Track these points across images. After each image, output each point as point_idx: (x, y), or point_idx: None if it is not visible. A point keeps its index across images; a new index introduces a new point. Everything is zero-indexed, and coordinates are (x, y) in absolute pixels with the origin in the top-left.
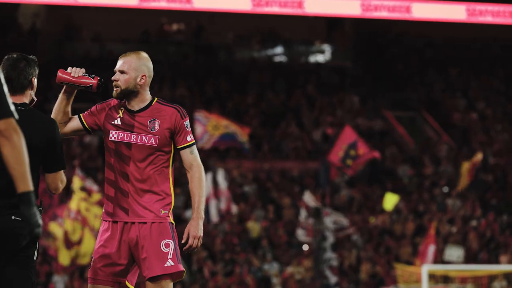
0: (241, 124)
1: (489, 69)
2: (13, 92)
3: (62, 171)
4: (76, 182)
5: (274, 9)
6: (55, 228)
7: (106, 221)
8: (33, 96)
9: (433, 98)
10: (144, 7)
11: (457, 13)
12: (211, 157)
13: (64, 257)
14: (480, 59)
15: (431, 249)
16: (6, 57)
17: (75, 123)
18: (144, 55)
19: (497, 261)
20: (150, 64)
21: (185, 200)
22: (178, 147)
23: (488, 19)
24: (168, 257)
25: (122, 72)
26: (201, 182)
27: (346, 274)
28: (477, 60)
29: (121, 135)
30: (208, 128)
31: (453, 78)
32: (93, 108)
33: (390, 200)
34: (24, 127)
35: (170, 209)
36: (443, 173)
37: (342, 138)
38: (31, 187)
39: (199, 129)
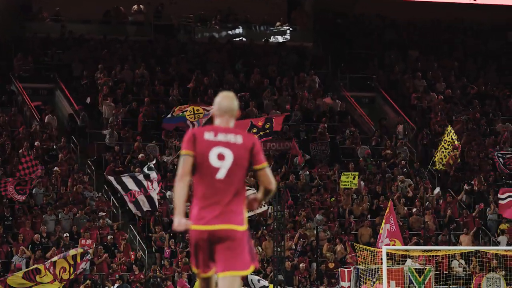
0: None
1: (449, 51)
2: None
3: None
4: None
5: None
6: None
7: None
8: None
9: (393, 80)
10: None
11: None
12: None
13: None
14: (440, 41)
15: (385, 228)
16: None
17: None
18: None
19: (456, 242)
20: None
21: None
22: None
23: None
24: None
25: None
26: None
27: (307, 254)
28: (437, 42)
29: None
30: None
31: (413, 60)
32: None
33: (348, 179)
34: None
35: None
36: (401, 154)
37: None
38: None
39: None
